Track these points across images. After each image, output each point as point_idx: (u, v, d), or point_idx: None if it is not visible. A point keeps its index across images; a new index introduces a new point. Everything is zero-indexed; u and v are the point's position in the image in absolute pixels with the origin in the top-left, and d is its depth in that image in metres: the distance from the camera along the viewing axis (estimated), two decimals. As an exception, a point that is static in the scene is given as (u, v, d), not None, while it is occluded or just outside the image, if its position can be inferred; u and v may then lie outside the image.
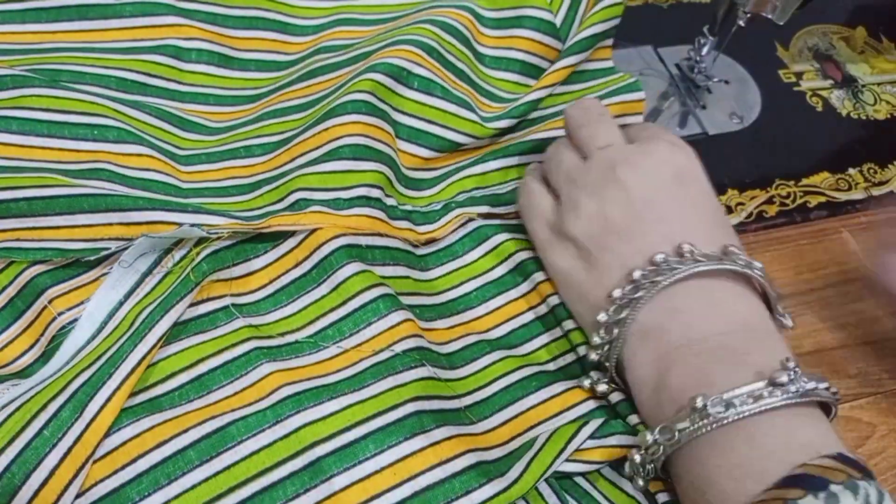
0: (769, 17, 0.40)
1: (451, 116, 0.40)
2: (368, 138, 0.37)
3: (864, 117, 0.50)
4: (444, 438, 0.30)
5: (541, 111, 0.43)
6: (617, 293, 0.31)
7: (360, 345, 0.33)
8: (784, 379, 0.27)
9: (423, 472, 0.29)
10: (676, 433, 0.28)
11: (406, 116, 0.39)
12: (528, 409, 0.33)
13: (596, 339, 0.32)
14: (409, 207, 0.38)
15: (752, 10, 0.41)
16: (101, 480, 0.28)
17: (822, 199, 0.45)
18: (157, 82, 0.40)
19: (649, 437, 0.29)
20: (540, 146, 0.41)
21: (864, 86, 0.51)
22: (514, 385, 0.34)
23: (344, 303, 0.33)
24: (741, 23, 0.42)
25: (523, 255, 0.37)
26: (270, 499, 0.28)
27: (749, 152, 0.45)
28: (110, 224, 0.32)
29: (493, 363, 0.35)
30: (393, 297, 0.34)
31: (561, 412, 0.33)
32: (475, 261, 0.38)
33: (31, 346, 0.32)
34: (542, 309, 0.36)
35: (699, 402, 0.27)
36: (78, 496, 0.27)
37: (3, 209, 0.32)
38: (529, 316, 0.37)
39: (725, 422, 0.27)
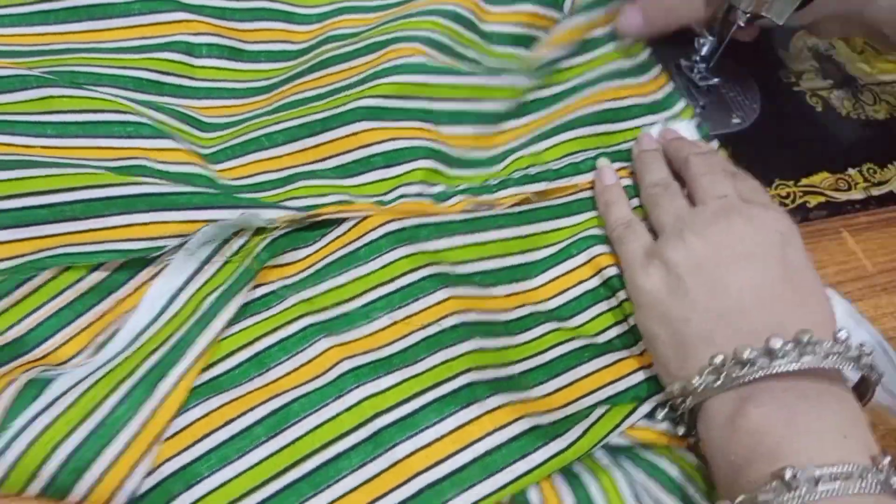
0: (768, 16, 0.40)
1: (483, 89, 0.41)
2: (399, 140, 0.38)
3: (863, 117, 0.50)
4: (498, 406, 0.31)
5: (563, 85, 0.44)
6: (718, 359, 0.31)
7: (409, 317, 0.34)
8: (871, 466, 0.27)
9: (481, 438, 0.31)
10: None
11: (441, 102, 0.40)
12: (583, 378, 0.35)
13: (675, 387, 0.32)
14: (463, 186, 0.39)
15: (751, 10, 0.41)
16: (171, 458, 0.29)
17: (822, 199, 0.45)
18: (171, 80, 0.41)
19: None
20: (584, 120, 0.43)
21: (863, 86, 0.51)
22: (568, 354, 0.35)
23: (392, 279, 0.35)
24: (741, 23, 0.42)
25: (584, 232, 0.39)
26: (336, 469, 0.30)
27: (749, 152, 0.45)
28: (167, 222, 0.33)
29: (548, 333, 0.36)
30: (440, 277, 0.35)
31: (613, 381, 0.35)
32: (535, 234, 0.39)
33: (85, 347, 0.32)
34: (594, 282, 0.38)
35: (788, 474, 0.27)
36: (147, 475, 0.29)
37: (59, 212, 0.32)
38: (580, 290, 0.38)
39: (816, 496, 0.26)
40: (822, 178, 0.46)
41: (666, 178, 0.40)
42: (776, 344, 0.30)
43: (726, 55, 0.48)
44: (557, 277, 0.38)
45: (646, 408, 0.33)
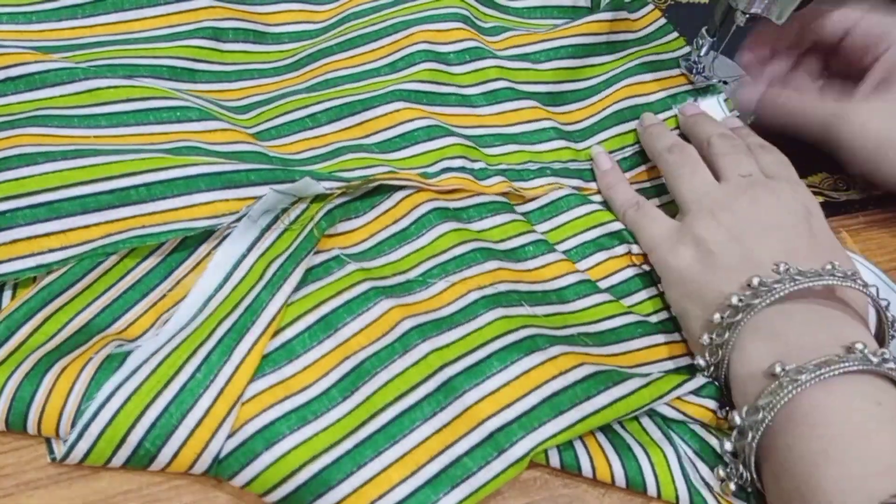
0: (768, 16, 0.41)
1: (507, 71, 0.44)
2: (437, 118, 0.40)
3: (863, 117, 0.49)
4: (560, 354, 0.33)
5: (598, 78, 0.46)
6: (734, 300, 0.33)
7: (465, 279, 0.35)
8: (844, 353, 0.30)
9: (546, 382, 0.32)
10: (761, 412, 0.29)
11: (470, 87, 0.43)
12: (637, 350, 0.36)
13: (705, 339, 0.34)
14: (503, 166, 0.41)
15: (751, 11, 0.41)
16: (251, 420, 0.30)
17: (821, 199, 0.45)
18: (203, 66, 0.41)
19: (737, 419, 0.31)
20: (622, 116, 0.45)
21: (863, 86, 0.51)
22: (621, 328, 0.36)
23: (444, 251, 0.37)
24: (740, 23, 0.42)
25: (618, 224, 0.40)
26: (410, 420, 0.31)
27: (748, 152, 0.45)
28: (228, 200, 0.34)
29: (603, 303, 0.37)
30: (488, 251, 0.37)
31: (665, 359, 0.36)
32: (576, 219, 0.41)
33: (152, 326, 0.33)
34: (638, 270, 0.39)
35: (777, 369, 0.29)
36: (229, 437, 0.30)
37: (123, 196, 0.33)
38: (628, 273, 0.39)
39: (804, 386, 0.29)
40: (821, 178, 0.46)
41: (677, 141, 0.41)
42: (784, 268, 0.32)
43: (726, 55, 0.48)
44: (602, 262, 0.40)
45: (699, 380, 0.34)
